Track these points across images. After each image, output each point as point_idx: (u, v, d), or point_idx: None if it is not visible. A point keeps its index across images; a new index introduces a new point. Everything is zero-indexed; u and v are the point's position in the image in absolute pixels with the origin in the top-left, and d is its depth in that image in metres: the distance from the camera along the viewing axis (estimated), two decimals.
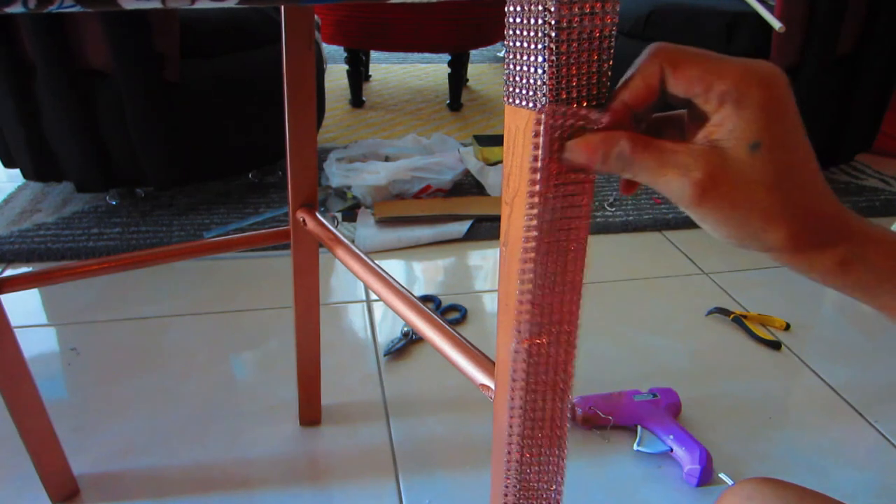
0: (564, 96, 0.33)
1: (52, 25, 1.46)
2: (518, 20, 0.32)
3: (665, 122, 0.37)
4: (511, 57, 0.34)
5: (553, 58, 0.31)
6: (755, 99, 0.30)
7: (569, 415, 0.41)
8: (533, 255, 0.36)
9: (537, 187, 0.34)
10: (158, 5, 0.37)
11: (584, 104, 0.33)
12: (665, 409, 1.07)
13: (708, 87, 0.31)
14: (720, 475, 0.99)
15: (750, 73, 0.31)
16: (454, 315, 1.39)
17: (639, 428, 1.04)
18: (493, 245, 1.68)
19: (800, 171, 0.32)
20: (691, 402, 1.13)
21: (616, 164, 0.32)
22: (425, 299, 1.44)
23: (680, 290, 1.51)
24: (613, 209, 1.86)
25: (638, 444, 1.02)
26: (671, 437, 1.01)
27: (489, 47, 2.97)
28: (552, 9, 0.30)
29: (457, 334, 0.55)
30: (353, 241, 0.77)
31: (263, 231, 0.92)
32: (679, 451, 1.00)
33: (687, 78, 0.31)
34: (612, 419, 1.05)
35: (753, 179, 0.31)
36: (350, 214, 1.80)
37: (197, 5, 0.39)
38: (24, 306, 1.38)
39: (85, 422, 1.07)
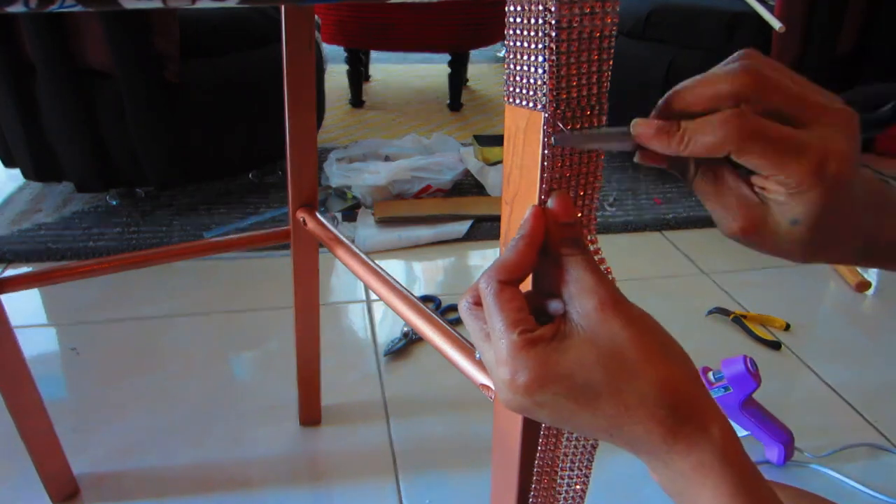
0: (564, 96, 0.33)
1: (52, 25, 1.45)
2: (518, 20, 0.32)
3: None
4: (511, 57, 0.34)
5: (553, 58, 0.31)
6: (816, 194, 0.31)
7: None
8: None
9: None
10: (159, 5, 0.37)
11: (584, 104, 0.33)
12: (740, 404, 1.03)
13: (779, 168, 0.31)
14: (805, 454, 1.03)
15: (823, 167, 0.31)
16: (454, 315, 1.39)
17: None
18: (493, 245, 1.68)
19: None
20: None
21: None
22: (425, 299, 1.44)
23: (680, 290, 1.51)
24: (613, 209, 1.86)
25: None
26: (747, 433, 1.03)
27: (489, 47, 2.97)
28: (552, 9, 0.30)
29: (457, 334, 0.55)
30: (353, 241, 0.77)
31: (263, 231, 0.92)
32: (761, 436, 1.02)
33: (757, 159, 0.32)
34: None
35: (788, 241, 0.34)
36: (350, 214, 1.80)
37: (197, 5, 0.39)
38: (24, 306, 1.37)
39: (85, 422, 1.07)
